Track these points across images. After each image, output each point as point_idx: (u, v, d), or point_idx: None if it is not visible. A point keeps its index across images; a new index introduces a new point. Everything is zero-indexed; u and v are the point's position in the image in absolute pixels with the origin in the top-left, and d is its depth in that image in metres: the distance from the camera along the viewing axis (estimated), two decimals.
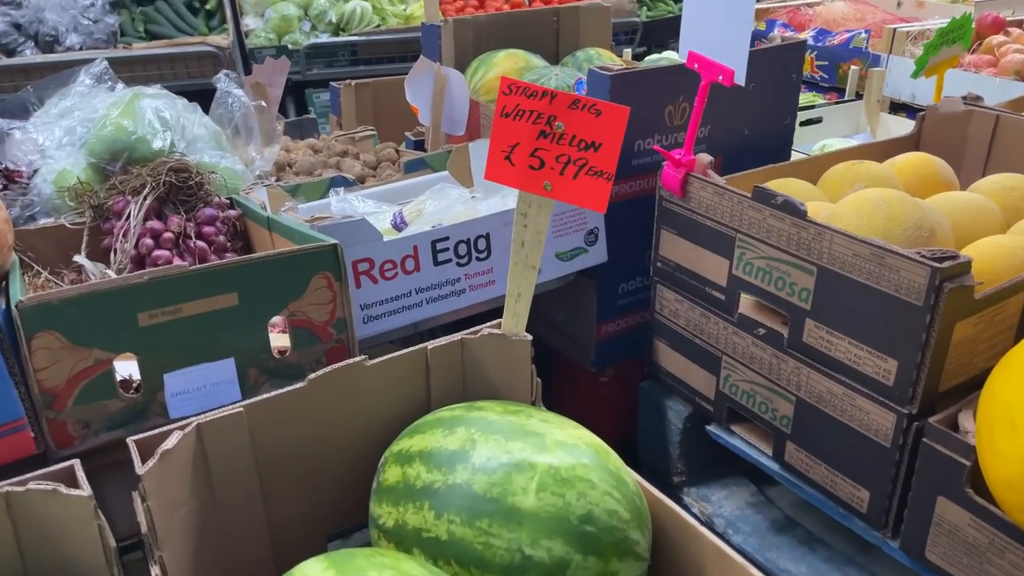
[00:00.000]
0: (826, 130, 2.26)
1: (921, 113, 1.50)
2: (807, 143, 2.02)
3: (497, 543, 0.76)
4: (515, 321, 0.98)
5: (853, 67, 2.42)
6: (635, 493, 0.81)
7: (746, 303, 1.14)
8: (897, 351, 0.93)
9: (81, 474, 0.77)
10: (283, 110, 3.41)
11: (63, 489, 0.75)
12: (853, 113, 2.34)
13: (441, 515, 0.78)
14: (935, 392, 0.94)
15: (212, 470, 0.84)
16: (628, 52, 2.60)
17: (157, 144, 1.22)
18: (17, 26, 3.37)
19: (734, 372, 1.17)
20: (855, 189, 1.17)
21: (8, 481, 0.75)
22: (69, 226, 1.17)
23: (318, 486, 0.91)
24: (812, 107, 2.33)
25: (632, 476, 0.84)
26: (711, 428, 1.26)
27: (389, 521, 0.83)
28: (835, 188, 1.27)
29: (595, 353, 1.41)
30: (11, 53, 3.32)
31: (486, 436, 0.82)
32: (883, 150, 1.46)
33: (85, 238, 1.16)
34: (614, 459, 0.83)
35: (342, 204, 1.30)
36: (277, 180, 1.46)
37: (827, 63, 2.60)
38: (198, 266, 0.87)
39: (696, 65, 1.12)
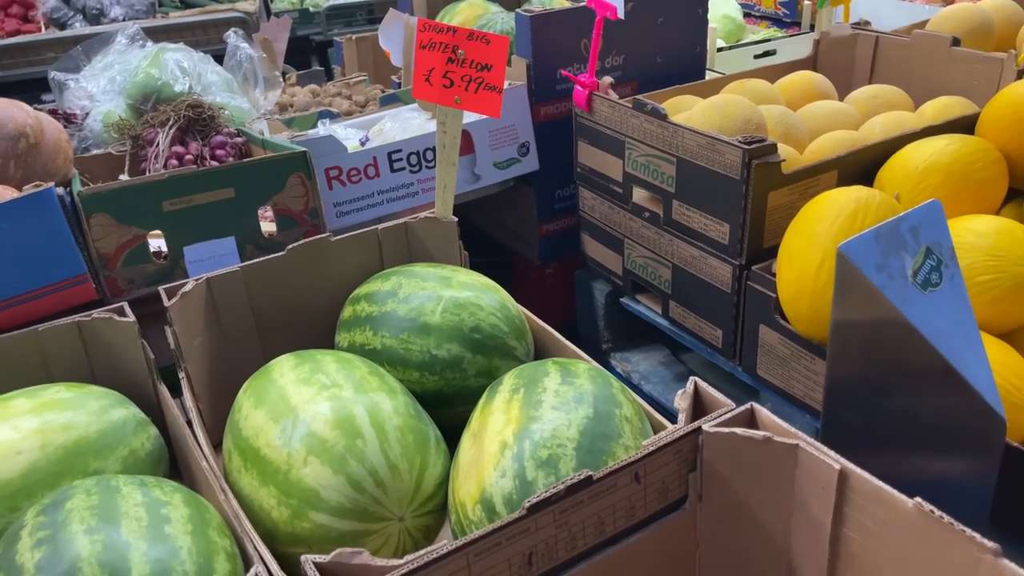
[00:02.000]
0: (779, 61, 2.49)
1: (816, 37, 1.75)
2: None
3: (414, 348, 1.08)
4: (444, 207, 1.29)
5: (807, 2, 2.64)
6: (516, 316, 1.13)
7: (638, 194, 1.43)
8: (728, 217, 1.22)
9: (128, 310, 1.11)
10: (307, 66, 3.73)
11: (117, 317, 1.09)
12: (806, 45, 2.56)
13: (377, 333, 1.11)
14: (760, 248, 1.23)
15: (220, 312, 1.17)
16: None
17: (178, 87, 1.55)
18: (66, 1, 3.73)
19: (633, 251, 1.47)
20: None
21: (79, 314, 1.10)
22: (115, 153, 1.51)
23: (299, 327, 1.24)
24: (768, 40, 2.57)
25: (517, 307, 1.15)
26: (623, 300, 1.56)
27: (344, 343, 1.16)
28: None
29: (539, 249, 1.72)
30: (63, 26, 3.69)
31: (410, 280, 1.14)
32: (782, 71, 1.72)
33: (127, 162, 1.50)
34: (503, 295, 1.15)
35: (325, 131, 1.62)
36: (279, 117, 1.79)
37: (788, 0, 2.82)
38: (203, 168, 1.20)
39: (593, 5, 1.41)
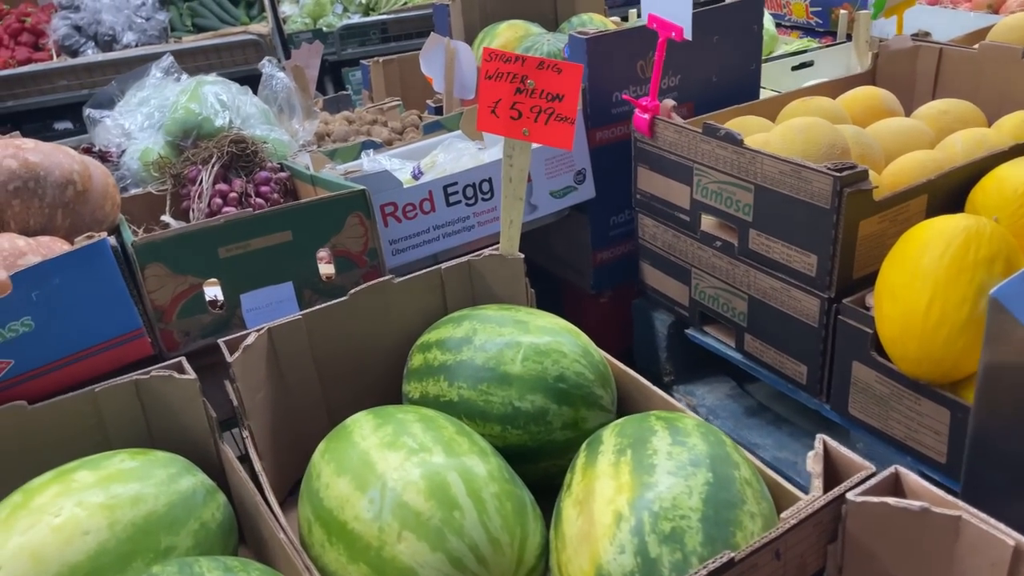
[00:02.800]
0: (818, 73, 2.43)
1: (874, 51, 1.69)
2: (799, 86, 2.20)
3: (494, 400, 1.01)
4: (510, 243, 1.23)
5: (843, 11, 2.57)
6: (599, 362, 1.06)
7: (707, 222, 1.36)
8: (816, 248, 1.15)
9: (187, 365, 1.04)
10: (321, 88, 3.69)
11: (176, 375, 1.02)
12: (844, 55, 2.50)
13: (453, 383, 1.04)
14: (849, 279, 1.16)
15: (281, 363, 1.11)
16: (633, 13, 2.79)
17: (219, 122, 1.49)
18: (77, 28, 3.69)
19: (702, 281, 1.40)
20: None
21: (136, 372, 1.03)
22: (155, 193, 1.45)
23: (362, 375, 1.17)
24: (804, 52, 2.50)
25: (599, 352, 1.08)
26: (689, 331, 1.49)
27: (416, 394, 1.09)
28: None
29: (593, 278, 1.65)
30: (75, 54, 3.64)
31: (484, 326, 1.07)
32: (841, 87, 1.65)
33: (168, 201, 1.44)
34: (583, 339, 1.08)
35: (372, 163, 1.55)
36: (318, 147, 1.72)
37: (820, 9, 2.75)
38: (260, 211, 1.14)
39: (655, 25, 1.34)
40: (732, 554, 0.67)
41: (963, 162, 1.21)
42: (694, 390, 1.56)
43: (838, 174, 1.09)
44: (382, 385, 1.18)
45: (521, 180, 1.17)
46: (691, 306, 1.45)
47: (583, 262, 1.65)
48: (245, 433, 1.04)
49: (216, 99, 1.50)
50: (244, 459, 1.03)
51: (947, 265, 0.97)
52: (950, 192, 1.20)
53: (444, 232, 1.38)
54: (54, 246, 1.04)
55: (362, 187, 1.20)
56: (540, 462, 1.01)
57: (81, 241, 1.02)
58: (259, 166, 1.46)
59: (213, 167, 1.41)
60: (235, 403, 1.04)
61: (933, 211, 1.18)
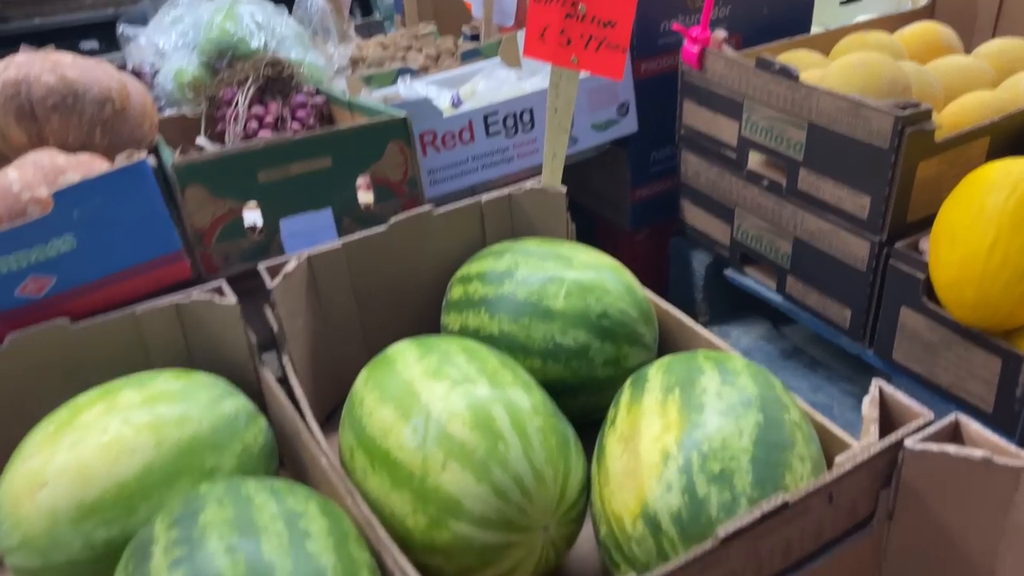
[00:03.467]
0: (866, 8, 2.33)
1: None
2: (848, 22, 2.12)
3: (536, 335, 1.00)
4: (552, 176, 1.20)
5: None
6: (643, 299, 1.04)
7: (754, 159, 1.33)
8: (870, 188, 1.11)
9: (228, 289, 1.04)
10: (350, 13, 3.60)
11: (217, 299, 1.02)
12: None
13: (494, 317, 1.03)
14: (903, 222, 1.12)
15: (320, 291, 1.10)
16: None
17: (254, 44, 1.45)
18: None
19: (745, 221, 1.37)
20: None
21: (176, 294, 1.02)
22: (190, 115, 1.43)
23: (400, 305, 1.16)
24: None
25: (642, 289, 1.07)
26: (728, 272, 1.47)
27: (455, 326, 1.08)
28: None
29: (631, 215, 1.62)
30: None
31: (527, 259, 1.05)
32: (898, 22, 1.58)
33: (203, 123, 1.41)
34: (627, 275, 1.06)
35: (408, 90, 1.52)
36: (352, 72, 1.68)
37: None
38: (301, 135, 1.12)
39: None
40: (786, 497, 0.66)
41: None
42: (729, 331, 1.54)
43: (901, 112, 1.04)
44: (420, 316, 1.17)
45: (567, 111, 1.14)
46: (732, 246, 1.42)
47: (621, 198, 1.62)
48: (285, 359, 1.04)
49: (252, 19, 1.46)
50: (283, 382, 1.03)
51: (1013, 208, 0.93)
52: (1014, 134, 1.15)
53: (483, 163, 1.35)
54: (93, 164, 1.02)
55: (404, 114, 1.17)
56: (579, 397, 1.01)
57: (122, 160, 1.00)
58: (295, 90, 1.43)
59: (249, 89, 1.39)
60: (275, 328, 1.04)
61: (995, 154, 1.13)
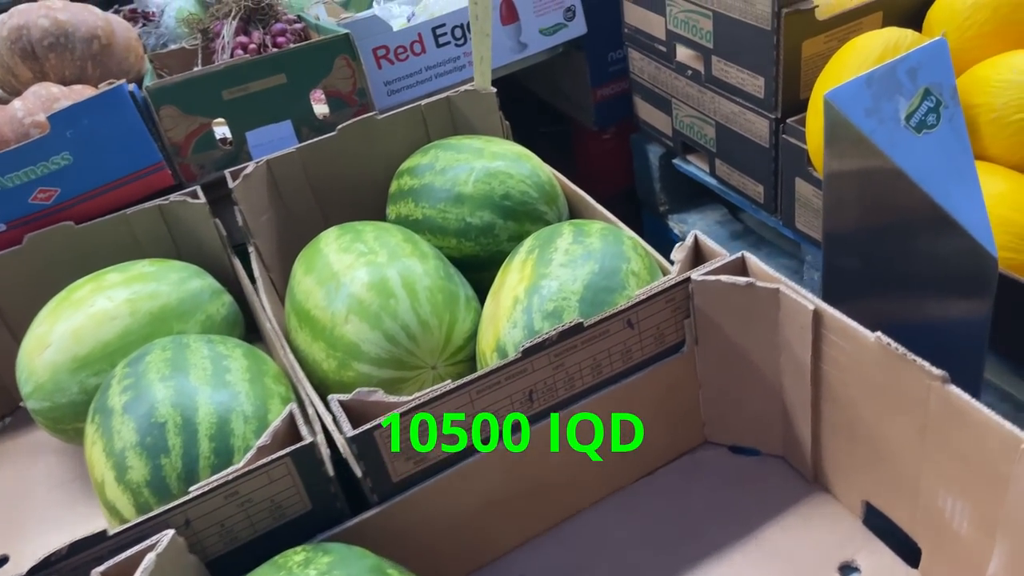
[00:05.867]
0: None
1: None
2: None
3: (450, 217, 1.16)
4: (483, 79, 1.33)
5: None
6: (546, 182, 1.18)
7: (681, 52, 1.42)
8: (762, 69, 1.20)
9: (200, 192, 1.23)
10: None
11: (190, 200, 1.22)
12: None
13: (418, 204, 1.19)
14: (796, 100, 1.21)
15: (281, 191, 1.28)
16: None
17: None
18: None
19: (680, 110, 1.47)
20: None
21: (159, 199, 1.23)
22: (188, 47, 1.62)
23: (356, 201, 1.34)
24: None
25: (547, 173, 1.20)
26: (675, 161, 1.57)
27: (393, 215, 1.25)
28: None
29: (595, 114, 1.74)
30: None
31: (446, 152, 1.21)
32: None
33: (199, 55, 1.60)
34: (535, 161, 1.20)
35: (382, 11, 1.66)
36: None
37: None
38: (255, 56, 1.29)
39: None
40: (582, 320, 0.81)
41: None
42: (687, 218, 1.66)
43: None
44: (374, 209, 1.35)
45: (487, 15, 1.26)
46: (674, 136, 1.53)
47: (585, 99, 1.73)
48: (251, 247, 1.24)
49: None
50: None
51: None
52: (910, 10, 1.21)
53: (436, 72, 1.49)
54: (85, 92, 1.23)
55: (346, 31, 1.32)
56: (492, 270, 1.15)
57: (103, 87, 1.20)
58: (275, 18, 1.60)
59: (232, 21, 1.56)
60: (240, 222, 1.23)
61: None
